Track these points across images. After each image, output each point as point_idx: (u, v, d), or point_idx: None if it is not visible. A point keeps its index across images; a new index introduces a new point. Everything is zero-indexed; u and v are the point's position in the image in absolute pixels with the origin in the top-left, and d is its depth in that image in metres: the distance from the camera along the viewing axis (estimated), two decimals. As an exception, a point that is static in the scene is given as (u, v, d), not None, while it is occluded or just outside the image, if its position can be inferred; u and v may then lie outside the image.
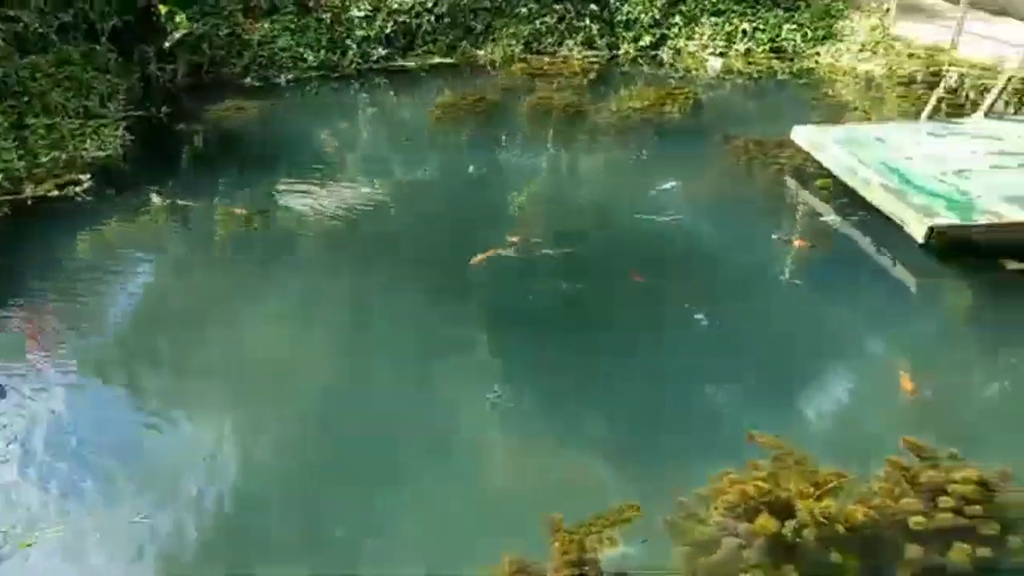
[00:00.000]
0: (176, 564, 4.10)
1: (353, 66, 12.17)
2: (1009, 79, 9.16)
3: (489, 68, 12.56)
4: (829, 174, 7.82)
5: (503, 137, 9.99)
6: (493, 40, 12.90)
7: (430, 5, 12.61)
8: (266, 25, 11.94)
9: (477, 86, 11.60)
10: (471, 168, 9.02)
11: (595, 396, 5.16)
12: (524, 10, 12.93)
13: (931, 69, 10.94)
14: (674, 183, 5.93)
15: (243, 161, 9.11)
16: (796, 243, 5.82)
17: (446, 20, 12.75)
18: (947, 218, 6.39)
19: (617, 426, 4.92)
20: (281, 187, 8.41)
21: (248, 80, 11.55)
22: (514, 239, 6.95)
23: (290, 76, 11.81)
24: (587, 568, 3.49)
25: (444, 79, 12.11)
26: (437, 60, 12.64)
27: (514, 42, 12.87)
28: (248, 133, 9.95)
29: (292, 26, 12.09)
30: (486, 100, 10.80)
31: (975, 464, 3.77)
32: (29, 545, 4.09)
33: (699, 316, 5.92)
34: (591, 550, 3.53)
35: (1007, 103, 9.42)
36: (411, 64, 12.52)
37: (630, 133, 9.81)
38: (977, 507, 3.57)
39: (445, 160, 9.37)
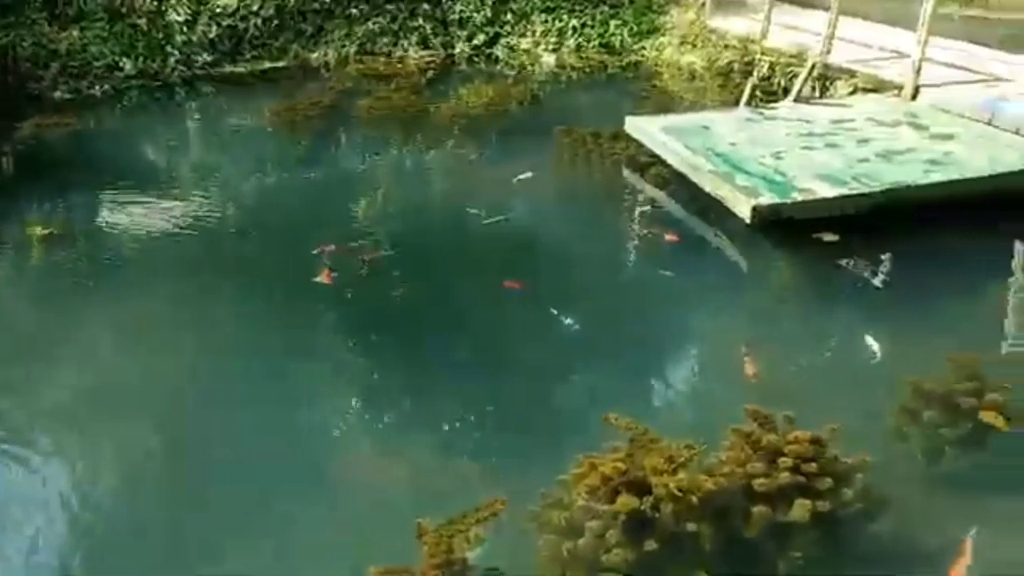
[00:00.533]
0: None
1: (176, 74, 11.64)
2: (813, 66, 9.90)
3: (323, 71, 12.34)
4: (662, 162, 8.19)
5: (343, 141, 9.86)
6: (326, 42, 12.68)
7: (256, 8, 12.23)
8: (75, 33, 11.18)
9: (312, 90, 11.38)
10: (311, 175, 8.84)
11: (454, 398, 5.18)
12: (355, 11, 12.78)
13: (745, 59, 11.65)
14: (530, 173, 6.04)
15: (56, 179, 8.51)
16: (668, 237, 6.10)
17: (274, 23, 12.42)
18: (768, 197, 6.84)
19: (479, 426, 4.97)
20: (102, 206, 7.92)
21: (58, 93, 10.80)
22: (361, 251, 6.84)
23: (105, 86, 11.13)
24: (455, 568, 3.50)
25: (276, 84, 11.80)
26: (268, 65, 12.30)
27: (348, 44, 12.71)
28: (61, 149, 9.32)
29: (104, 33, 11.39)
30: (323, 104, 10.61)
31: (808, 425, 4.06)
32: None
33: (550, 310, 6.05)
34: (458, 550, 3.54)
35: (813, 88, 10.17)
36: (240, 70, 12.11)
37: (471, 131, 9.90)
38: (812, 464, 3.84)
39: (283, 168, 9.13)
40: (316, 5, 12.56)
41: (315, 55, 12.52)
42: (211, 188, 8.53)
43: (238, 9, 12.10)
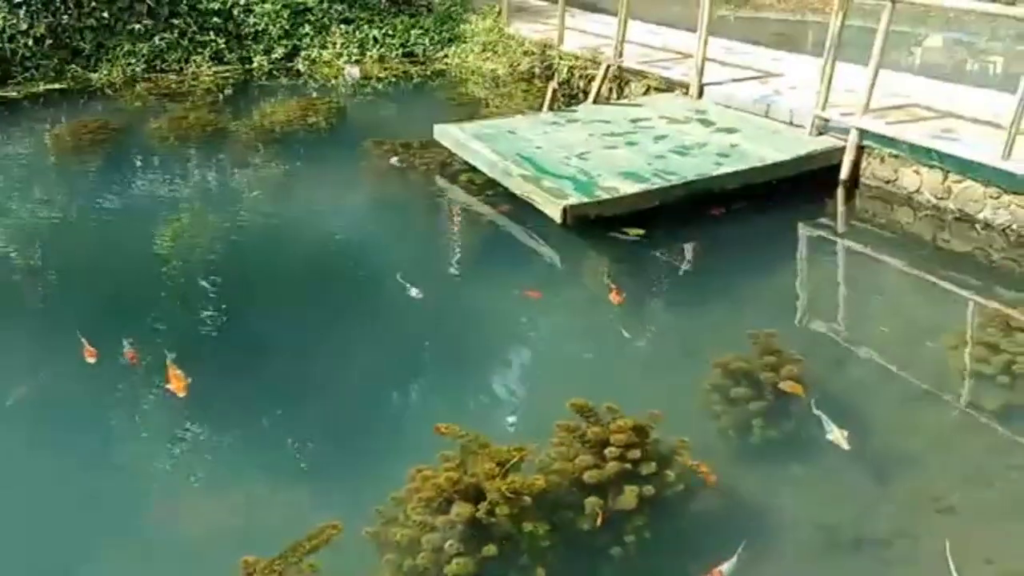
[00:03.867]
0: None
1: (-66, 100, 10.50)
2: (608, 68, 10.36)
3: (108, 91, 11.52)
4: (473, 168, 8.27)
5: (137, 165, 9.24)
6: (108, 60, 11.85)
7: (24, 27, 11.25)
8: None
9: (98, 112, 10.62)
10: (104, 203, 8.21)
11: (274, 425, 4.98)
12: (138, 27, 12.04)
13: (544, 64, 12.03)
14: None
15: None
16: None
17: (48, 42, 11.47)
18: (575, 197, 7.08)
19: (303, 448, 4.80)
20: None
21: None
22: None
23: None
24: (293, 603, 3.36)
25: (56, 107, 10.92)
26: (43, 87, 11.34)
27: (133, 62, 11.96)
28: None
29: None
30: (111, 127, 9.92)
31: (630, 413, 4.22)
32: None
33: (368, 322, 5.96)
34: (294, 583, 3.40)
35: (610, 89, 10.65)
36: (12, 94, 11.09)
37: (276, 147, 9.59)
38: (636, 451, 4.00)
39: (73, 198, 8.43)
40: (92, 21, 11.71)
41: (96, 75, 11.68)
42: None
43: (4, 29, 11.07)
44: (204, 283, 6.61)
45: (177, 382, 5.07)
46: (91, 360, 5.38)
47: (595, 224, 7.00)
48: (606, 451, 4.03)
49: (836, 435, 4.49)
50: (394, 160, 8.41)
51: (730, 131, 8.58)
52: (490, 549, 3.64)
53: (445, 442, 4.19)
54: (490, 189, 8.01)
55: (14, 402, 5.15)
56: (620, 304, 6.10)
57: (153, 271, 6.75)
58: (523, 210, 7.44)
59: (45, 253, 7.29)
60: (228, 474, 4.58)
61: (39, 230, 7.61)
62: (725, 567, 3.73)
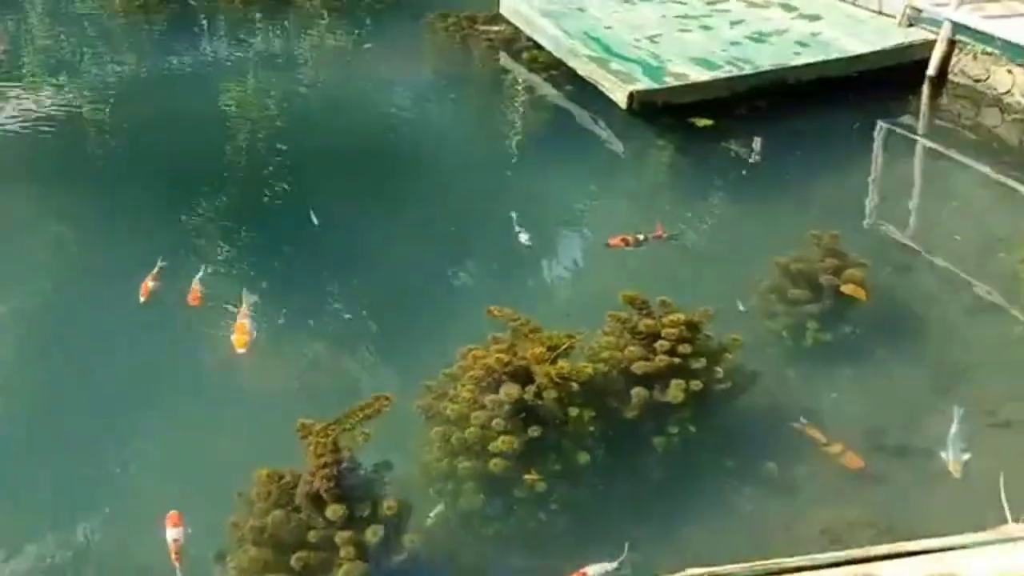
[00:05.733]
0: None
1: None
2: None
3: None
4: (538, 46, 8.01)
5: (203, 27, 9.17)
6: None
7: None
8: None
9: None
10: (170, 64, 8.20)
11: (334, 297, 5.08)
12: None
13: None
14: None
15: None
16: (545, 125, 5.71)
17: None
18: (643, 82, 6.83)
19: (359, 321, 4.91)
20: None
21: None
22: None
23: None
24: (343, 466, 3.50)
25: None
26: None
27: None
28: None
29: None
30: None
31: (683, 308, 4.18)
32: None
33: (428, 200, 5.95)
34: (345, 448, 3.53)
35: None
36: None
37: (340, 17, 9.38)
38: (687, 346, 3.99)
39: (141, 58, 8.43)
40: None
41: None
42: (62, 79, 7.83)
43: None
44: (264, 151, 6.66)
45: (240, 334, 4.66)
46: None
47: (661, 111, 6.78)
48: (656, 344, 4.01)
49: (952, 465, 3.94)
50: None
51: (813, 18, 8.10)
52: (535, 430, 3.71)
53: (497, 324, 4.23)
54: (554, 68, 7.76)
55: (84, 260, 5.33)
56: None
57: (216, 136, 6.80)
58: (587, 92, 7.22)
59: (113, 112, 7.37)
60: (287, 341, 4.72)
61: (108, 89, 7.68)
62: (592, 570, 3.49)
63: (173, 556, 3.56)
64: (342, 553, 3.25)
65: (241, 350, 4.51)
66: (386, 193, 6.09)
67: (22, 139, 6.76)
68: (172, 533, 3.60)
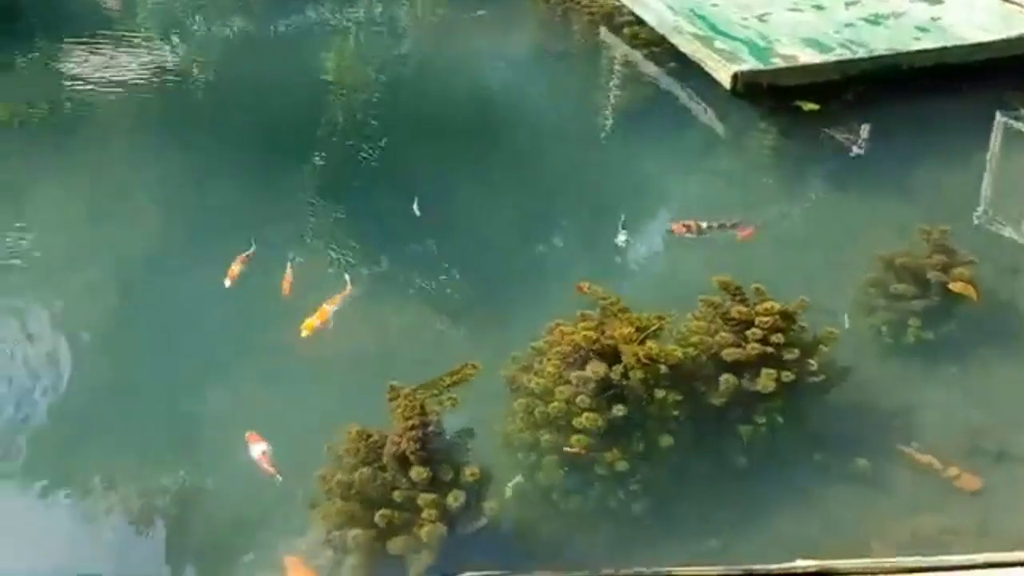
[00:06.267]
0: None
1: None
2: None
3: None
4: (640, 21, 7.87)
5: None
6: None
7: None
8: None
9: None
10: (281, 29, 8.37)
11: (427, 264, 5.15)
12: None
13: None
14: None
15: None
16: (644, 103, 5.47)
17: None
18: (749, 63, 6.64)
19: (449, 289, 4.96)
20: (61, 52, 7.50)
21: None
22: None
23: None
24: (429, 430, 3.56)
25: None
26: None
27: None
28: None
29: None
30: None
31: (778, 297, 4.09)
32: None
33: (522, 174, 5.94)
34: (431, 412, 3.59)
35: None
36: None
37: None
38: (780, 336, 3.90)
39: (249, 20, 8.63)
40: None
41: None
42: (173, 38, 8.10)
43: None
44: (359, 119, 6.74)
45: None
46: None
47: (766, 93, 6.58)
48: (748, 332, 3.93)
49: None
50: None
51: (933, 2, 7.71)
52: (620, 409, 3.69)
53: (586, 302, 4.22)
54: (656, 45, 7.61)
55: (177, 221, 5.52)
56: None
57: (313, 102, 6.92)
58: (689, 71, 7.06)
59: (217, 73, 7.59)
60: (376, 304, 4.80)
61: (214, 49, 7.91)
62: None
63: (266, 467, 3.79)
64: (424, 514, 3.32)
65: (315, 326, 4.50)
66: (479, 165, 6.12)
67: (129, 96, 7.02)
68: (257, 448, 3.87)
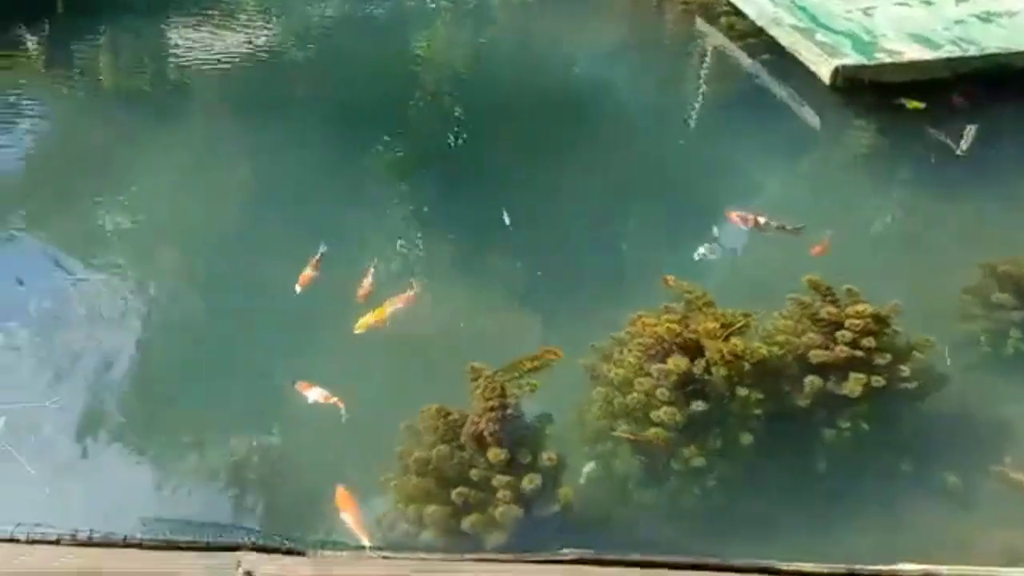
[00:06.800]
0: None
1: None
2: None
3: None
4: (737, 12, 7.70)
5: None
6: None
7: None
8: None
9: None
10: (375, 11, 8.49)
11: (509, 246, 5.16)
12: None
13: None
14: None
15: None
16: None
17: None
18: (852, 58, 6.44)
19: (533, 276, 4.97)
20: (170, 26, 7.77)
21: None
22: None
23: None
24: (508, 412, 3.59)
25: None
26: None
27: None
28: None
29: None
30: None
31: (871, 300, 3.97)
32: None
33: (607, 163, 5.90)
34: (512, 396, 3.61)
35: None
36: None
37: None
38: (871, 340, 3.79)
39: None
40: None
41: None
42: (272, 16, 8.29)
43: None
44: (447, 98, 6.77)
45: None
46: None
47: (868, 90, 6.37)
48: (838, 334, 3.84)
49: None
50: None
51: (1051, 0, 7.33)
52: (699, 404, 3.66)
53: (670, 295, 4.18)
54: (753, 37, 7.43)
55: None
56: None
57: (398, 87, 6.97)
58: (786, 64, 6.87)
59: (310, 52, 7.73)
60: (460, 286, 4.84)
61: (309, 28, 8.05)
62: None
63: (328, 401, 4.01)
64: (499, 495, 3.36)
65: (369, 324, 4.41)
66: (564, 153, 6.09)
67: (226, 72, 7.20)
68: (313, 393, 4.06)
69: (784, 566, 1.14)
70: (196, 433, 3.99)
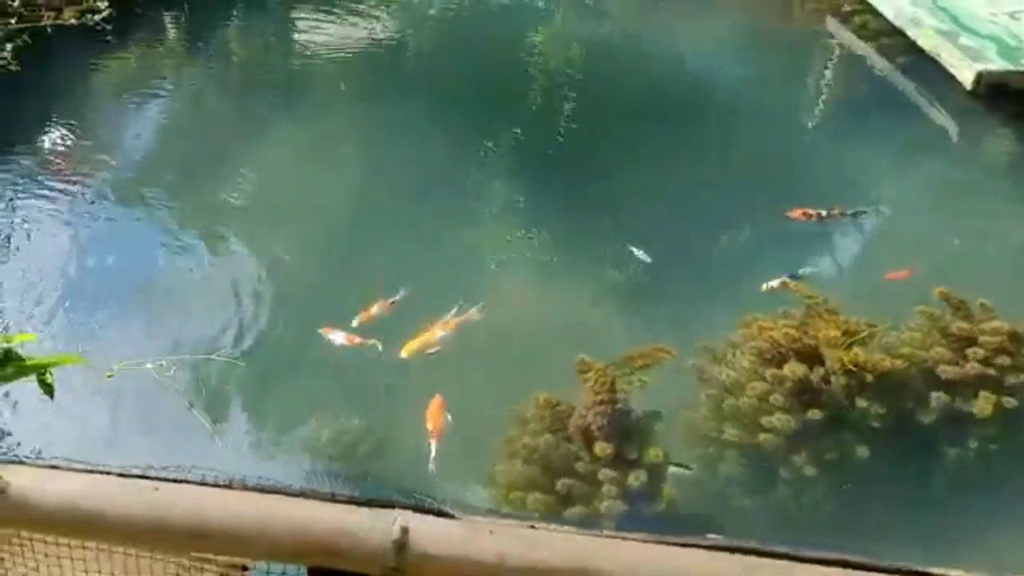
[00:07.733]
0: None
1: None
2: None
3: None
4: (871, 10, 7.39)
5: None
6: None
7: None
8: None
9: None
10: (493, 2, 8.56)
11: (623, 241, 5.12)
12: None
13: None
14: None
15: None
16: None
17: None
18: (996, 62, 6.10)
19: (647, 272, 4.91)
20: (300, 16, 8.05)
21: None
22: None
23: None
24: (616, 407, 3.57)
25: None
26: None
27: None
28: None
29: None
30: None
31: (1006, 316, 3.76)
32: (111, 376, 3.99)
33: (725, 164, 5.77)
34: (621, 391, 3.60)
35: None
36: None
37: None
38: (1006, 358, 3.60)
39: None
40: None
41: None
42: (395, 6, 8.46)
43: None
44: (563, 90, 6.74)
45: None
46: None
47: (1012, 97, 6.01)
48: (969, 350, 3.66)
49: None
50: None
51: None
52: (815, 413, 3.55)
53: (786, 299, 4.07)
54: (887, 37, 7.11)
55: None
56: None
57: (511, 81, 6.98)
58: (922, 67, 6.56)
59: (424, 43, 7.84)
60: (570, 284, 4.82)
61: (425, 19, 8.18)
62: None
63: (358, 341, 4.16)
64: (604, 489, 3.35)
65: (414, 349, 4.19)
66: (680, 149, 5.98)
67: (350, 59, 7.38)
68: (337, 335, 4.22)
69: (939, 571, 1.08)
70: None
